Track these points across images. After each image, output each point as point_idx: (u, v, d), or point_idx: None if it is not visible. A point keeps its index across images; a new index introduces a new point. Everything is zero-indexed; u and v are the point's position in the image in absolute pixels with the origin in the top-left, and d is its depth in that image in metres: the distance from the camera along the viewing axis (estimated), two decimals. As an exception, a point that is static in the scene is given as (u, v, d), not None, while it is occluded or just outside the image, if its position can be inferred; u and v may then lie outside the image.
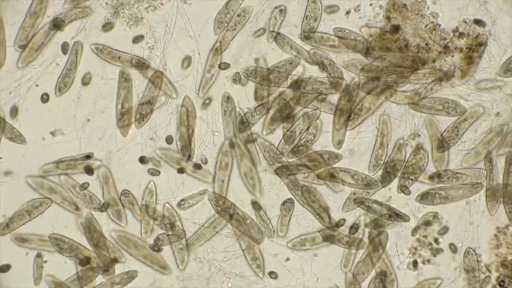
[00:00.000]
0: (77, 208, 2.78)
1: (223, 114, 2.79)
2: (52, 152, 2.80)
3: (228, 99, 2.77)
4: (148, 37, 2.79)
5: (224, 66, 2.72)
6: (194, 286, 2.83)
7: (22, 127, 2.78)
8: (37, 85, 2.77)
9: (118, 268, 2.80)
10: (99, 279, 2.78)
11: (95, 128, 2.79)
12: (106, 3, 2.77)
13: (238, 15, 2.74)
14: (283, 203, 2.81)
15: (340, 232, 2.80)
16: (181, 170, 2.80)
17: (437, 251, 2.83)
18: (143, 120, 2.78)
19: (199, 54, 2.80)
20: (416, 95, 2.77)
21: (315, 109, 2.79)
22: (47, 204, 2.76)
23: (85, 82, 2.77)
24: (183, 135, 2.75)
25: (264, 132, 2.81)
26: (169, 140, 2.78)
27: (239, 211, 2.80)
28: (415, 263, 2.84)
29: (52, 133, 2.79)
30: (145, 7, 2.79)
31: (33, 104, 2.79)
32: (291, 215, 2.81)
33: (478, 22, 2.73)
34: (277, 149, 2.80)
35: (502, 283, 2.80)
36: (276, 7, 2.77)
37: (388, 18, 2.77)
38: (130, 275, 2.80)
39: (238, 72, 2.78)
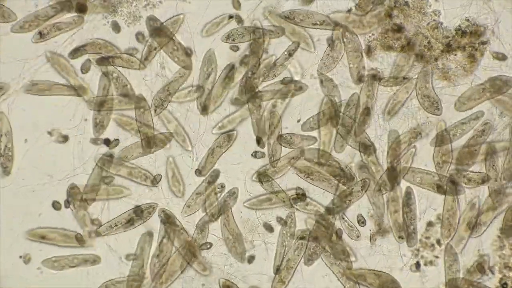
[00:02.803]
0: None
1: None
2: (50, 151, 2.79)
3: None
4: (146, 36, 2.79)
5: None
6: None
7: (20, 126, 2.78)
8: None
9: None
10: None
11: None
12: (105, 1, 2.75)
13: None
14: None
15: None
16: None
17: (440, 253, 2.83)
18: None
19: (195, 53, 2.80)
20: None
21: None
22: None
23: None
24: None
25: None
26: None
27: None
28: (417, 265, 2.82)
29: (50, 133, 2.77)
30: (144, 5, 2.77)
31: (30, 103, 2.78)
32: None
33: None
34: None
35: (505, 286, 2.79)
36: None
37: (390, 16, 2.76)
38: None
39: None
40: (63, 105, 2.77)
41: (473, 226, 2.75)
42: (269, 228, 2.81)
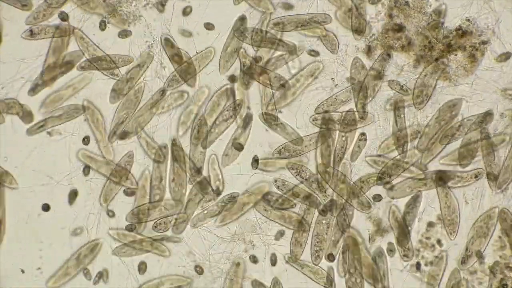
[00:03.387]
0: None
1: None
2: (49, 151, 2.78)
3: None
4: (146, 35, 2.78)
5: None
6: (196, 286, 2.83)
7: (18, 126, 2.77)
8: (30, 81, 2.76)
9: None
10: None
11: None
12: (104, 0, 2.75)
13: None
14: None
15: None
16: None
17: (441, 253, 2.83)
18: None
19: (196, 52, 2.79)
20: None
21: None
22: None
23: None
24: None
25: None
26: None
27: None
28: (418, 265, 2.81)
29: (49, 133, 2.77)
30: (143, 5, 2.77)
31: (28, 102, 2.78)
32: None
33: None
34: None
35: (505, 286, 2.78)
36: None
37: (390, 16, 2.75)
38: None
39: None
40: (62, 105, 2.78)
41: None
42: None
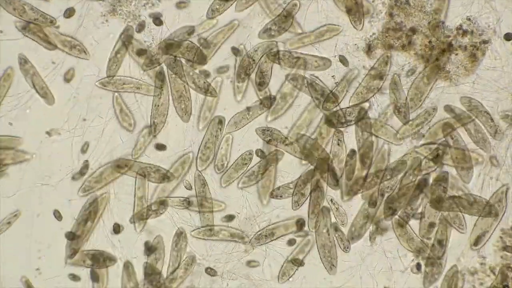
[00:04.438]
0: None
1: None
2: (49, 151, 2.78)
3: None
4: (145, 35, 2.78)
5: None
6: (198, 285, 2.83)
7: (18, 126, 2.77)
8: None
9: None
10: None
11: (91, 127, 2.79)
12: (103, 0, 2.75)
13: None
14: None
15: None
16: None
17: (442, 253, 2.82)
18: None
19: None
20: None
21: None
22: None
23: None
24: None
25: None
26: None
27: None
28: (418, 266, 2.80)
29: (48, 133, 2.77)
30: (143, 4, 2.78)
31: (28, 102, 2.78)
32: None
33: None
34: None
35: (506, 287, 2.77)
36: None
37: (390, 14, 2.75)
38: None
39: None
40: (61, 105, 2.77)
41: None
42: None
